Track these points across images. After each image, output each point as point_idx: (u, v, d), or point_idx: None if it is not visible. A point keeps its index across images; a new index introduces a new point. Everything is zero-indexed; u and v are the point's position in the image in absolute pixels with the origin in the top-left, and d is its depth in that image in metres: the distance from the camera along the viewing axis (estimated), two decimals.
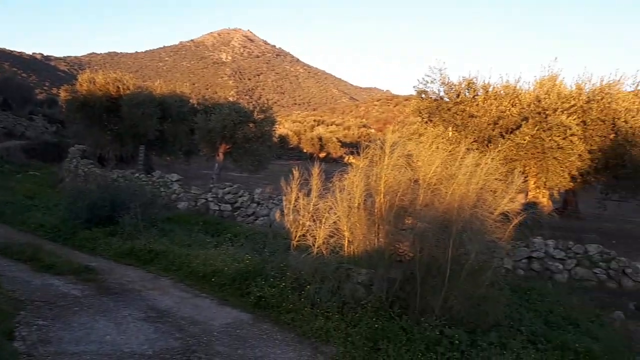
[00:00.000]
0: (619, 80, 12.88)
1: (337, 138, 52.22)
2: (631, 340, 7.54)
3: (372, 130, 64.69)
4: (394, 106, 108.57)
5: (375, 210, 6.83)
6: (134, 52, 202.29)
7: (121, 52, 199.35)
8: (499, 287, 6.92)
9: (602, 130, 12.46)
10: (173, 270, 8.06)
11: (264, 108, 19.54)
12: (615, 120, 12.55)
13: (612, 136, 12.57)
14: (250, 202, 14.33)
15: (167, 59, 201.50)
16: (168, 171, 18.04)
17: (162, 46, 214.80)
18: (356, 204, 6.86)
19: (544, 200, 12.78)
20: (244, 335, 5.53)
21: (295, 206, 7.04)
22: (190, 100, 23.23)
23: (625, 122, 12.48)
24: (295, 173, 7.13)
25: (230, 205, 14.53)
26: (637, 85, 12.95)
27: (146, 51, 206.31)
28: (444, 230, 6.27)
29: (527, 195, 12.79)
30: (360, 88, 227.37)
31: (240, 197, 14.64)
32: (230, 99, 51.65)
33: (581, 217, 17.91)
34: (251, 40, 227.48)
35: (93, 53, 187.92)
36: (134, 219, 9.96)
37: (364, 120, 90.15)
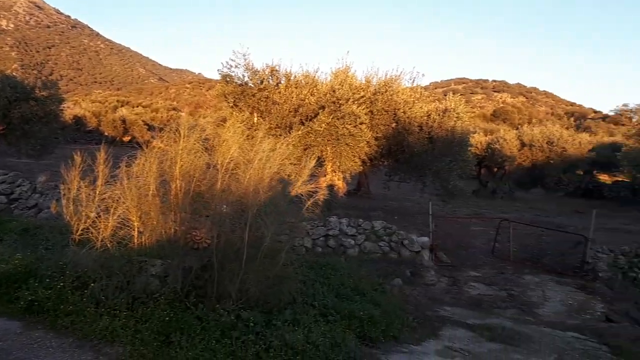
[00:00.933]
0: (399, 76, 14.66)
1: (143, 121, 48.90)
2: (406, 302, 8.71)
3: (183, 114, 62.32)
4: (207, 90, 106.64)
5: (171, 197, 6.50)
6: None
7: None
8: (296, 266, 7.26)
9: (385, 120, 14.04)
10: None
11: (48, 84, 17.03)
12: (396, 111, 14.27)
13: (393, 125, 14.27)
14: (32, 193, 12.45)
15: None
16: None
17: None
18: (150, 192, 6.43)
19: (339, 182, 13.90)
20: (8, 347, 4.73)
21: (77, 196, 6.27)
22: None
23: (404, 112, 14.29)
24: (77, 158, 6.33)
25: (5, 196, 12.42)
26: (413, 81, 14.95)
27: None
28: (241, 215, 6.28)
29: (325, 178, 13.74)
30: (170, 69, 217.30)
31: (18, 186, 12.61)
32: (11, 72, 44.14)
33: (371, 196, 20.09)
34: (39, 8, 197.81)
35: None
36: None
37: (174, 102, 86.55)
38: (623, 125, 52.98)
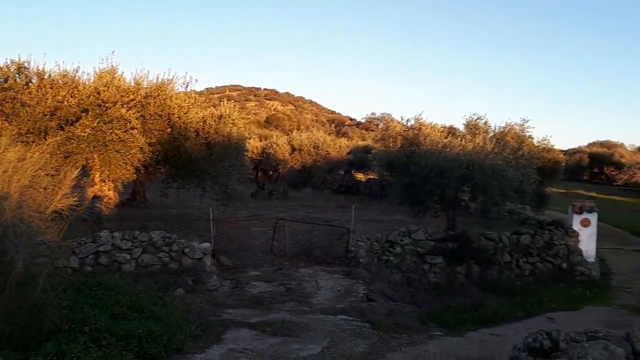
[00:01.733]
0: (172, 80, 14.21)
1: None
2: (189, 311, 8.52)
3: None
4: None
5: None
6: None
7: None
8: (59, 290, 6.44)
9: (159, 125, 13.46)
10: None
11: None
12: (171, 116, 13.81)
13: (169, 130, 13.78)
14: None
15: None
16: None
17: None
18: None
19: (110, 193, 12.79)
20: None
21: None
22: None
23: (179, 117, 13.94)
24: None
25: None
26: (187, 85, 14.66)
27: None
28: None
29: (93, 188, 12.48)
30: None
31: None
32: None
33: (149, 206, 19.09)
34: None
35: None
36: None
37: None
38: (372, 131, 62.05)
